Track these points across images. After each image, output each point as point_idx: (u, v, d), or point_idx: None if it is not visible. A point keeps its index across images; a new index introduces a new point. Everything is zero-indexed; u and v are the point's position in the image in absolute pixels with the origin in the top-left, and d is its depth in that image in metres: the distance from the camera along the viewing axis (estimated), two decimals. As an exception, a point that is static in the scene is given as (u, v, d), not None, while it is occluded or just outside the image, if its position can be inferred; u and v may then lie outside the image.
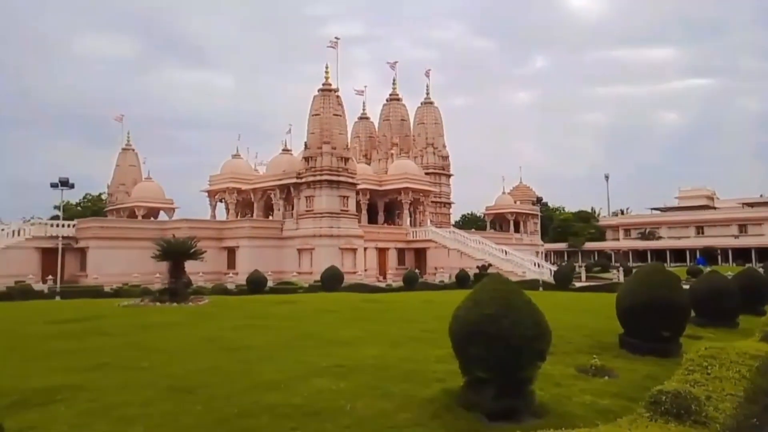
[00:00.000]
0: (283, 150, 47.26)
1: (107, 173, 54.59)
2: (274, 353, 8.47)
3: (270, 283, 28.10)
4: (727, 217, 77.02)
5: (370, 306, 16.24)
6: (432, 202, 52.16)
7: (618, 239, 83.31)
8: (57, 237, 34.50)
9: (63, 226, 38.06)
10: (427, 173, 52.31)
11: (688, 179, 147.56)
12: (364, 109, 58.53)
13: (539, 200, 52.16)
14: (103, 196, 61.22)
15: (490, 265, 37.10)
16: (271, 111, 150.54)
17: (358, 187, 43.33)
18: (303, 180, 40.53)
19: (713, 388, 5.76)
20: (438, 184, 54.47)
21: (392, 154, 52.47)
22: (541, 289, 26.34)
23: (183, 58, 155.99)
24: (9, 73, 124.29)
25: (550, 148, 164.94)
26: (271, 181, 44.12)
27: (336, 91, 41.46)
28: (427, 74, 58.45)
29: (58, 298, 23.77)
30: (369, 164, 52.52)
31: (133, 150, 53.84)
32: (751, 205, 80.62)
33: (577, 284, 30.73)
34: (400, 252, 45.05)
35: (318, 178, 39.70)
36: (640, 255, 75.27)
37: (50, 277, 31.19)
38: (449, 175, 57.26)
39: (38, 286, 27.92)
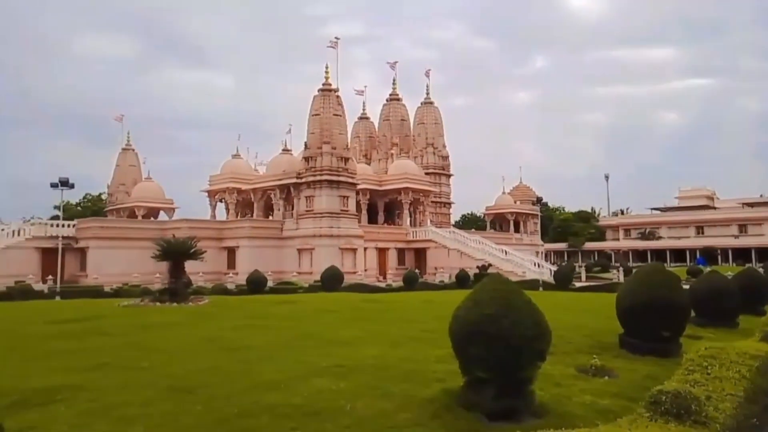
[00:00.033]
0: (283, 150, 47.27)
1: (107, 173, 54.68)
2: (274, 353, 8.47)
3: (270, 283, 28.11)
4: (727, 217, 77.03)
5: (370, 306, 16.24)
6: (432, 202, 52.17)
7: (618, 239, 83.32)
8: (57, 237, 34.51)
9: (63, 226, 38.06)
10: (427, 173, 52.32)
11: (688, 179, 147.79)
12: (364, 109, 58.58)
13: (539, 200, 52.17)
14: (103, 196, 61.23)
15: (490, 265, 37.10)
16: (271, 111, 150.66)
17: (358, 187, 43.33)
18: (303, 180, 40.53)
19: (713, 388, 5.76)
20: (438, 184, 54.48)
21: (392, 154, 52.47)
22: (541, 289, 26.34)
23: (183, 58, 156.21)
24: (9, 73, 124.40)
25: (550, 148, 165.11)
26: (271, 181, 44.13)
27: (336, 91, 41.47)
28: (427, 74, 58.52)
29: (58, 298, 23.77)
30: (369, 164, 52.53)
31: (133, 150, 53.86)
32: (751, 205, 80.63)
33: (577, 284, 30.73)
34: (400, 252, 45.06)
35: (318, 178, 39.70)
36: (640, 255, 75.28)
37: (50, 277, 31.19)
38: (449, 175, 57.26)
39: (38, 286, 27.92)
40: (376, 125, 57.82)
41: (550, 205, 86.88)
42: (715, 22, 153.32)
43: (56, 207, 56.46)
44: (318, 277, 28.95)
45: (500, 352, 5.25)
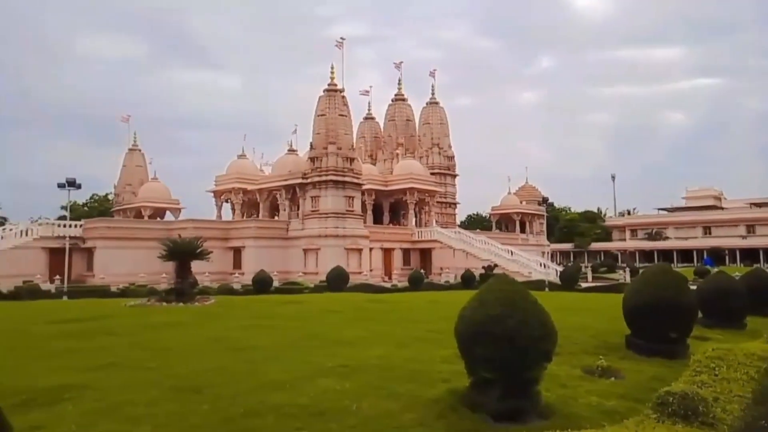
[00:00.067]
0: (289, 150, 47.37)
1: (113, 173, 55.03)
2: (280, 353, 8.48)
3: (275, 283, 28.17)
4: (734, 217, 76.52)
5: (376, 306, 16.25)
6: (437, 202, 52.12)
7: (624, 240, 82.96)
8: (64, 237, 34.75)
9: (70, 226, 38.29)
10: (432, 173, 52.27)
11: (695, 179, 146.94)
12: (369, 110, 58.66)
13: (545, 200, 52.14)
14: (110, 197, 61.56)
15: (495, 265, 37.02)
16: (276, 111, 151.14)
17: (364, 187, 43.36)
18: (308, 180, 40.60)
19: (721, 389, 5.73)
20: (443, 184, 54.42)
21: (397, 155, 52.48)
22: (547, 289, 26.26)
23: (188, 58, 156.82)
24: (13, 74, 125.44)
25: (556, 148, 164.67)
26: (276, 182, 44.23)
27: (341, 91, 41.52)
28: (432, 74, 58.43)
29: (65, 297, 23.91)
30: (374, 164, 52.55)
31: (140, 150, 54.15)
32: (759, 205, 79.99)
33: (583, 285, 30.64)
34: (406, 252, 45.04)
35: (323, 178, 39.75)
36: (646, 255, 74.94)
37: (57, 276, 31.41)
38: (455, 176, 57.19)
39: (46, 286, 28.12)
40: (382, 125, 57.84)
41: (556, 205, 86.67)
42: (721, 22, 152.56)
43: (63, 207, 56.68)
44: (323, 278, 28.99)
45: (506, 353, 5.23)
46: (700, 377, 6.06)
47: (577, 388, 6.62)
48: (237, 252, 39.80)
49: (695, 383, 5.73)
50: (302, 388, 6.27)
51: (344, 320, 12.85)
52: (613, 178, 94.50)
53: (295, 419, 5.28)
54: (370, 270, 39.55)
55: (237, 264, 39.16)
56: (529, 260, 40.26)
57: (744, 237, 72.05)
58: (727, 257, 67.95)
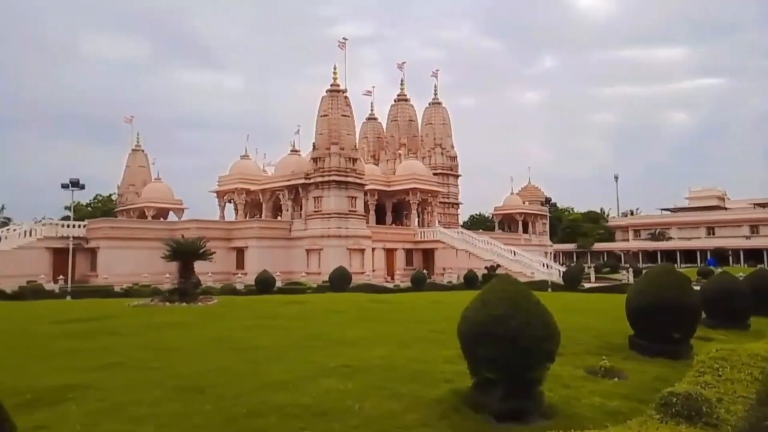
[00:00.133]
0: (292, 150, 47.41)
1: (116, 174, 55.18)
2: (283, 353, 8.49)
3: (278, 284, 28.19)
4: (738, 217, 76.29)
5: (378, 306, 16.25)
6: (440, 202, 52.10)
7: (627, 240, 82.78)
8: (68, 237, 34.78)
9: (74, 226, 38.37)
10: (435, 174, 52.25)
11: (699, 179, 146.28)
12: (372, 110, 58.62)
13: (548, 200, 51.93)
14: (113, 197, 61.72)
15: (498, 265, 37.00)
16: (279, 112, 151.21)
17: (366, 187, 43.36)
18: (311, 180, 40.63)
19: (724, 390, 5.71)
20: (446, 184, 54.39)
21: (400, 155, 52.46)
22: (549, 289, 26.23)
23: (191, 58, 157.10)
24: (15, 74, 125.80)
25: (559, 149, 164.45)
26: (279, 182, 44.27)
27: (344, 91, 41.54)
28: (435, 74, 58.41)
29: (68, 297, 23.98)
30: (377, 165, 52.56)
31: (143, 151, 54.27)
32: (763, 205, 79.75)
33: (587, 285, 30.59)
34: (408, 252, 45.03)
35: (326, 178, 39.78)
36: (650, 256, 74.75)
37: (61, 276, 31.48)
38: (457, 176, 57.15)
39: (49, 286, 28.20)
40: (384, 126, 57.85)
41: (559, 205, 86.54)
42: (724, 22, 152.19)
43: (67, 207, 56.98)
44: (326, 278, 29.00)
45: (509, 353, 5.23)
46: (703, 378, 6.05)
47: (580, 388, 6.61)
48: (240, 252, 39.86)
49: (699, 384, 5.72)
50: (305, 389, 6.28)
51: (347, 320, 12.86)
52: (616, 178, 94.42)
53: (297, 419, 5.29)
54: (373, 270, 39.55)
55: (240, 264, 39.21)
56: (531, 260, 40.19)
57: (748, 237, 71.81)
58: (730, 258, 67.78)
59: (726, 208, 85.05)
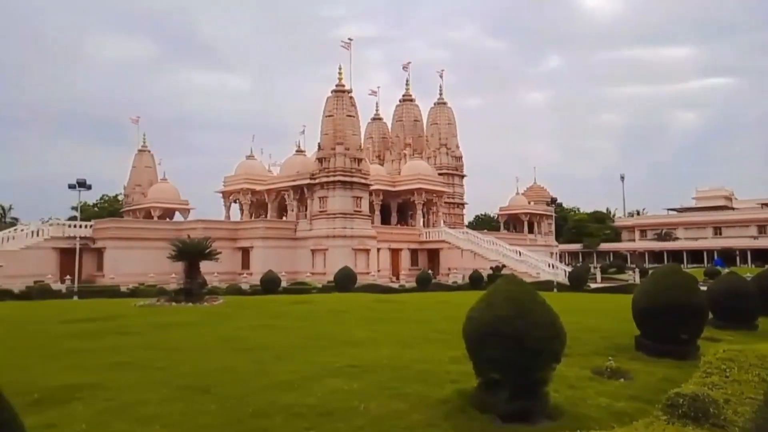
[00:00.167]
0: (297, 151, 47.51)
1: (122, 174, 55.39)
2: (288, 353, 8.51)
3: (284, 284, 28.26)
4: (745, 217, 75.82)
5: (384, 306, 16.26)
6: (445, 202, 52.06)
7: (634, 240, 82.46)
8: (75, 237, 35.04)
9: (80, 226, 38.62)
10: (440, 174, 52.23)
11: (705, 179, 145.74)
12: (377, 110, 58.70)
13: (553, 201, 51.90)
14: (120, 197, 62.03)
15: (503, 266, 36.93)
16: (284, 112, 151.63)
17: (372, 187, 43.40)
18: (316, 181, 40.69)
19: (732, 391, 5.67)
20: (451, 184, 54.36)
21: (405, 155, 52.48)
22: (555, 290, 26.15)
23: (196, 59, 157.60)
24: (21, 75, 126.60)
25: (564, 149, 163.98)
26: (284, 182, 44.37)
27: (349, 92, 41.58)
28: (440, 75, 58.43)
29: (75, 297, 24.12)
30: (382, 165, 52.59)
31: (149, 151, 54.52)
32: (771, 205, 79.31)
33: (592, 285, 30.50)
34: (413, 253, 45.02)
35: (331, 178, 39.83)
36: (656, 256, 74.41)
37: (68, 276, 31.70)
38: (462, 176, 57.10)
39: (56, 286, 28.38)
40: (390, 126, 57.88)
41: (565, 205, 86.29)
42: (731, 21, 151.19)
43: (74, 208, 57.25)
44: (331, 278, 29.05)
45: (514, 354, 5.22)
46: (710, 379, 6.01)
47: (586, 389, 6.59)
48: (245, 252, 39.96)
49: (706, 385, 5.68)
50: (311, 389, 6.29)
51: (352, 320, 12.87)
52: (623, 178, 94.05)
53: (303, 419, 5.30)
54: (378, 270, 39.57)
55: (245, 264, 39.32)
56: (537, 261, 40.11)
57: (755, 237, 71.33)
58: (738, 258, 67.33)
59: (733, 208, 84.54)
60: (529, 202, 60.16)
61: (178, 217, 51.44)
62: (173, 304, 17.01)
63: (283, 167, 47.48)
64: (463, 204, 57.22)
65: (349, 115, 41.07)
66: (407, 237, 45.27)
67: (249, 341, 9.69)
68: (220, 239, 31.08)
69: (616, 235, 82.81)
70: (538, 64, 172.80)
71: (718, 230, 76.19)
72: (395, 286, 31.57)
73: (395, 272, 41.54)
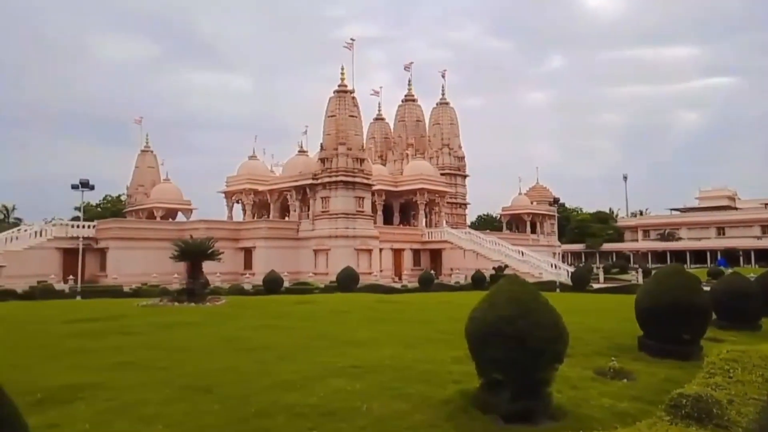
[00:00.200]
0: (299, 151, 47.54)
1: (125, 175, 55.59)
2: (291, 353, 8.51)
3: (286, 284, 28.27)
4: (749, 217, 75.56)
5: (386, 307, 16.26)
6: (447, 202, 52.02)
7: (637, 240, 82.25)
8: (78, 238, 35.08)
9: (83, 226, 38.70)
10: (442, 174, 52.18)
11: (708, 179, 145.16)
12: (379, 110, 58.69)
13: (556, 201, 51.69)
14: (123, 198, 62.16)
15: (506, 266, 36.88)
16: (287, 112, 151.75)
17: (374, 188, 43.40)
18: (319, 181, 40.71)
19: (735, 391, 5.65)
20: (453, 184, 54.31)
21: (407, 155, 52.45)
22: (558, 290, 26.12)
23: (198, 59, 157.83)
24: (23, 75, 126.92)
25: (567, 149, 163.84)
26: (287, 182, 44.40)
27: (351, 92, 41.58)
28: (442, 75, 58.36)
29: (78, 297, 24.16)
30: (384, 165, 52.58)
31: (152, 152, 54.62)
32: (774, 205, 79.04)
33: (595, 286, 30.44)
34: (416, 253, 45.01)
35: (333, 179, 39.84)
36: (659, 256, 74.24)
37: (71, 276, 31.76)
38: (465, 176, 57.05)
39: (59, 286, 28.44)
40: (392, 126, 57.86)
41: (567, 205, 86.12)
42: (734, 20, 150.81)
43: (77, 208, 57.42)
44: (334, 278, 29.05)
45: (517, 354, 5.21)
46: (714, 379, 6.00)
47: (589, 389, 6.58)
48: (248, 252, 40.00)
49: (709, 385, 5.67)
50: (313, 389, 6.29)
51: (354, 321, 12.87)
52: (625, 178, 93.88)
53: (306, 419, 5.30)
54: (380, 270, 39.56)
55: (248, 264, 39.36)
56: (539, 261, 40.05)
57: (759, 238, 71.11)
58: (741, 258, 67.15)
59: (736, 208, 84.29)
60: (531, 202, 60.08)
61: (180, 217, 51.52)
62: (176, 304, 17.04)
63: (286, 167, 47.51)
64: (465, 204, 57.17)
65: (352, 116, 41.07)
66: (409, 237, 45.26)
67: (251, 341, 9.70)
68: (222, 239, 31.11)
69: (618, 236, 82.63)
70: (540, 64, 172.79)
71: (721, 230, 75.96)
72: (397, 286, 31.56)
73: (397, 272, 41.53)
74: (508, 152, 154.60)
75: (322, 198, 40.66)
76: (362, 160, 41.25)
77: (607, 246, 78.77)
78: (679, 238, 77.67)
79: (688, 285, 9.01)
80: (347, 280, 27.03)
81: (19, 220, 61.31)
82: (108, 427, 5.15)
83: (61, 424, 5.16)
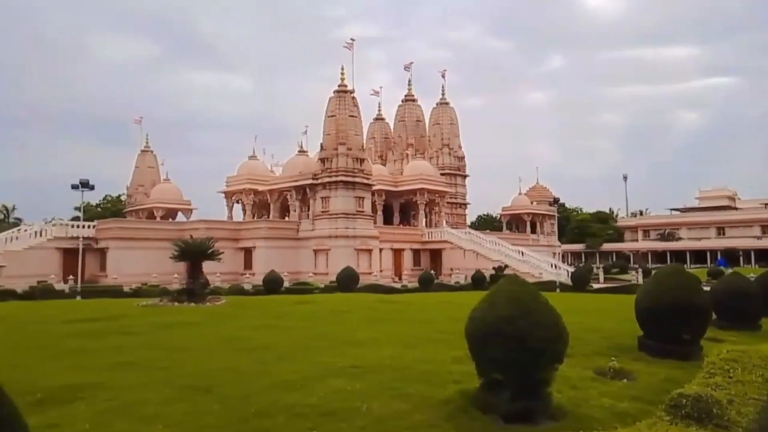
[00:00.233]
0: (299, 151, 47.54)
1: (122, 174, 55.70)
2: (291, 353, 8.51)
3: (286, 284, 28.27)
4: (749, 217, 75.56)
5: (386, 307, 16.26)
6: (447, 202, 52.02)
7: (637, 240, 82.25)
8: (78, 238, 35.08)
9: (83, 226, 38.70)
10: (442, 174, 52.18)
11: (708, 179, 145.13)
12: (379, 110, 58.69)
13: (556, 201, 51.69)
14: (123, 198, 62.16)
15: (506, 266, 36.88)
16: (287, 112, 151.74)
17: (374, 188, 43.39)
18: (319, 181, 40.71)
19: (735, 391, 5.65)
20: (454, 184, 54.31)
21: (408, 155, 52.45)
22: (558, 290, 26.12)
23: (198, 59, 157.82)
24: (23, 75, 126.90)
25: (567, 149, 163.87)
26: (287, 182, 44.40)
27: (351, 92, 41.58)
28: (442, 75, 58.36)
29: (78, 297, 24.16)
30: (384, 165, 52.58)
31: (152, 152, 54.62)
32: (774, 205, 79.01)
33: (595, 286, 30.44)
34: (416, 253, 45.01)
35: (333, 179, 39.84)
36: (659, 256, 74.24)
37: (71, 277, 31.76)
38: (465, 176, 57.05)
39: (59, 286, 28.44)
40: (392, 126, 57.86)
41: (567, 205, 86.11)
42: (733, 20, 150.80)
43: (77, 208, 57.43)
44: (334, 278, 29.06)
45: (517, 354, 5.21)
46: (714, 379, 6.00)
47: (589, 389, 6.58)
48: (248, 252, 40.00)
49: (709, 385, 5.67)
50: (313, 389, 6.29)
51: (355, 321, 12.87)
52: (625, 178, 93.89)
53: (306, 419, 5.30)
54: (380, 270, 39.57)
55: (248, 264, 39.36)
56: (539, 261, 40.05)
57: (759, 238, 71.10)
58: (741, 258, 67.15)
59: (737, 208, 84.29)
60: (531, 202, 60.08)
61: (180, 217, 51.52)
62: (176, 304, 17.04)
63: (286, 167, 47.51)
64: (465, 204, 57.17)
65: (352, 116, 41.07)
66: (409, 237, 45.26)
67: (251, 341, 9.70)
68: (222, 239, 31.11)
69: (618, 236, 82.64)
70: (539, 64, 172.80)
71: (721, 230, 75.96)
72: (397, 286, 31.56)
73: (397, 272, 41.53)
74: (508, 152, 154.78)
75: (322, 198, 40.67)
76: (362, 160, 41.25)
77: (607, 246, 78.76)
78: (679, 238, 77.67)
79: (688, 285, 9.01)
80: (347, 280, 27.03)
81: (19, 220, 61.35)
82: (108, 427, 5.15)
83: (61, 424, 5.16)
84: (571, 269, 37.39)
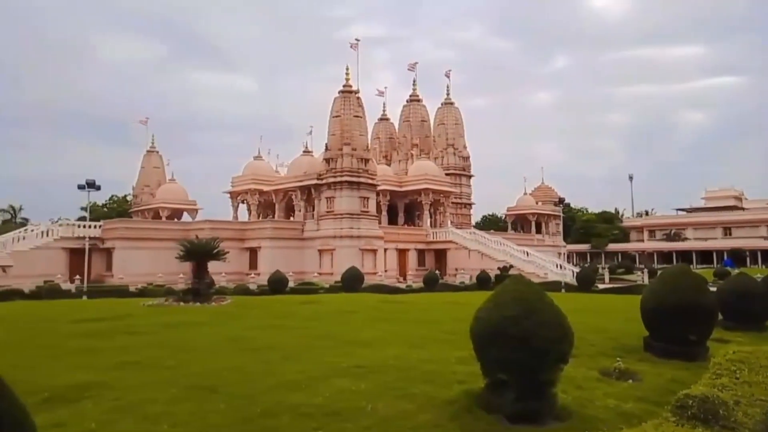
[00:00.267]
0: (304, 151, 47.61)
1: (128, 175, 55.90)
2: (296, 353, 8.53)
3: (291, 284, 28.32)
4: (755, 217, 75.09)
5: (391, 307, 16.26)
6: (452, 203, 51.97)
7: (642, 240, 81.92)
8: (84, 238, 35.28)
9: (90, 227, 38.88)
10: (447, 174, 52.14)
11: (715, 179, 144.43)
12: (384, 110, 58.68)
13: (561, 201, 51.51)
14: (129, 198, 62.42)
15: (511, 266, 36.82)
16: (291, 112, 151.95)
17: (379, 188, 43.39)
18: (323, 181, 40.75)
19: (742, 392, 5.63)
20: (458, 184, 54.25)
21: (412, 155, 52.43)
22: (563, 290, 26.05)
23: (203, 60, 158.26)
24: (29, 75, 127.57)
25: (572, 149, 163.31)
26: (292, 183, 44.47)
27: (356, 92, 41.61)
28: (447, 75, 58.36)
29: (85, 297, 24.26)
30: (389, 165, 52.58)
31: (157, 152, 54.82)
32: (781, 205, 78.49)
33: (601, 286, 30.35)
34: (421, 253, 44.98)
35: (338, 179, 39.87)
36: (665, 256, 73.88)
37: (77, 276, 31.90)
38: (470, 176, 56.98)
39: (66, 286, 28.57)
40: (397, 126, 57.86)
41: (573, 205, 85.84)
42: (738, 20, 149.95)
43: (83, 208, 57.67)
44: (338, 278, 29.08)
45: (522, 354, 5.20)
46: (720, 380, 5.97)
47: (594, 390, 6.56)
48: (253, 252, 40.09)
49: (715, 386, 5.64)
50: (318, 389, 6.30)
51: (359, 321, 12.88)
52: (631, 178, 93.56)
53: (311, 419, 5.31)
54: (385, 270, 39.56)
55: (253, 264, 39.44)
56: (545, 261, 39.96)
57: (766, 238, 70.67)
58: (748, 258, 66.74)
59: (743, 208, 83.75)
60: (536, 203, 59.94)
61: (186, 217, 51.70)
62: (181, 304, 17.10)
63: (291, 168, 47.59)
64: (470, 204, 57.11)
65: (357, 116, 41.10)
66: (414, 237, 45.24)
67: (256, 341, 9.72)
68: (227, 239, 31.20)
69: (624, 236, 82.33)
70: (544, 64, 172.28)
71: (727, 230, 75.54)
72: (402, 286, 31.55)
73: (402, 272, 41.51)
74: (513, 152, 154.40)
75: (326, 198, 40.71)
76: (367, 161, 41.27)
77: (612, 246, 78.48)
78: (685, 239, 77.30)
79: (695, 285, 8.97)
80: (352, 280, 27.05)
81: (26, 220, 61.62)
82: (114, 426, 5.17)
83: (68, 423, 5.19)
84: (577, 269, 37.29)
